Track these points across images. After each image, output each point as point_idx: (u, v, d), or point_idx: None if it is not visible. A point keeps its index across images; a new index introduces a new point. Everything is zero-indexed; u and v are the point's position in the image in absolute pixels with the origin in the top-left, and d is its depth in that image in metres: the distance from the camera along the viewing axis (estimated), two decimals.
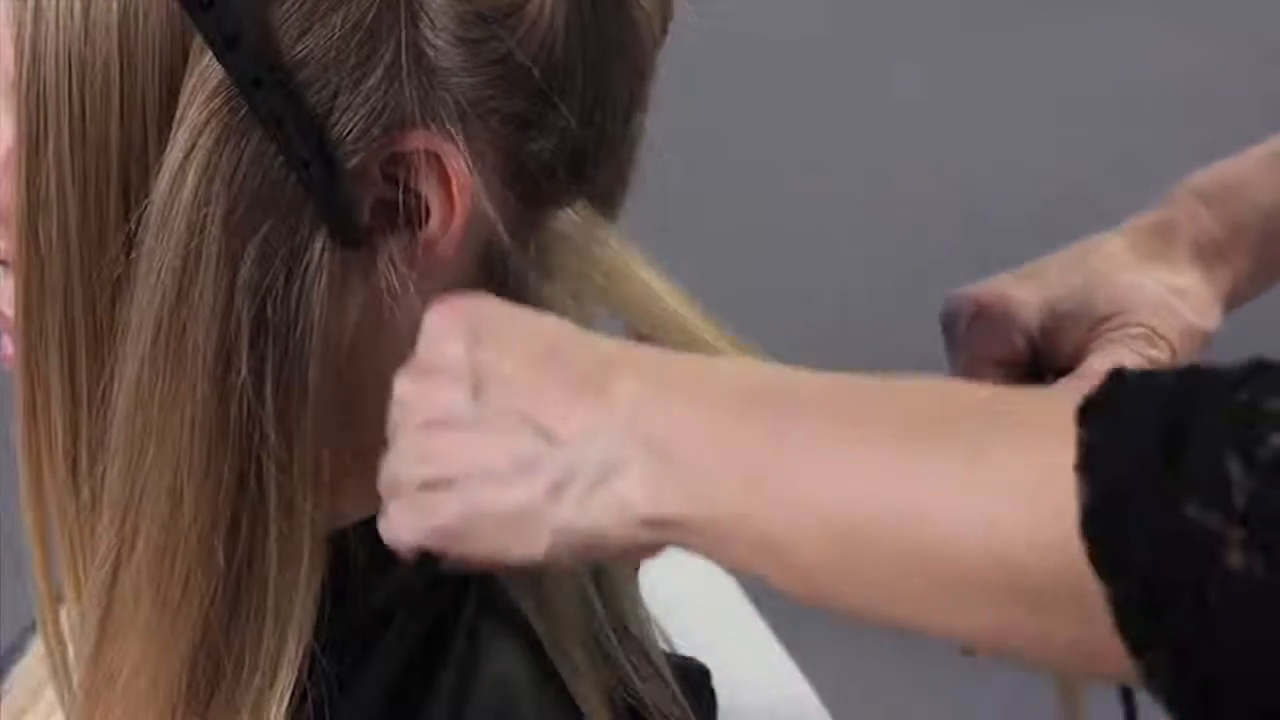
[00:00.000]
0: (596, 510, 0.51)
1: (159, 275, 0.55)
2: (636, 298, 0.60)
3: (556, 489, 0.51)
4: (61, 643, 0.62)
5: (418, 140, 0.56)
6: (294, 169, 0.55)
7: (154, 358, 0.56)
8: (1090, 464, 0.43)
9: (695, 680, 0.71)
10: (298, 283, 0.56)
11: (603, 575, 0.67)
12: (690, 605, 0.77)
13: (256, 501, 0.57)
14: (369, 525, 0.61)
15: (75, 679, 0.61)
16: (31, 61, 0.55)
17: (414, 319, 0.56)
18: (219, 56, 0.54)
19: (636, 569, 0.70)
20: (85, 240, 0.56)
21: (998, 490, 0.45)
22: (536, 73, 0.57)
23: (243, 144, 0.54)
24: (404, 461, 0.54)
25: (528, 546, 0.52)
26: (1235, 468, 0.41)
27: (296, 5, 0.54)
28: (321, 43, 0.54)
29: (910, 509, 0.46)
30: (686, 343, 0.59)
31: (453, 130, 0.56)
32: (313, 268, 0.56)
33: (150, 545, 0.57)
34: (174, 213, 0.55)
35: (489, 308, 0.55)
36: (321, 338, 0.57)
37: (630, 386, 0.51)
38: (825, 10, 2.87)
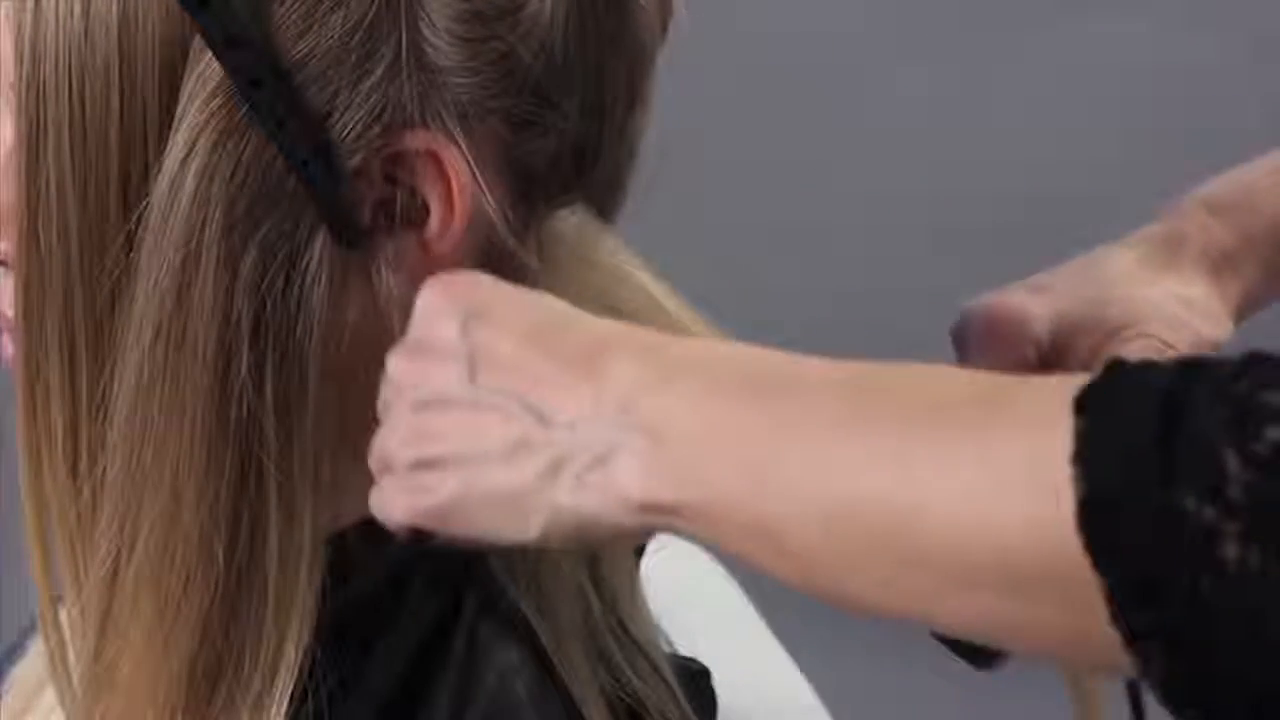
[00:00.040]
0: (590, 493, 0.50)
1: (159, 275, 0.55)
2: (634, 300, 0.60)
3: (551, 471, 0.51)
4: (61, 642, 0.62)
5: (417, 140, 0.56)
6: (294, 169, 0.55)
7: (154, 358, 0.56)
8: (1086, 454, 0.43)
9: (695, 680, 0.71)
10: (298, 283, 0.56)
11: (603, 576, 0.67)
12: (690, 605, 0.77)
13: (256, 501, 0.57)
14: (369, 525, 0.61)
15: (75, 678, 0.61)
16: (31, 62, 0.55)
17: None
18: (218, 56, 0.54)
19: (637, 569, 0.70)
20: (85, 240, 0.56)
21: (994, 478, 0.45)
22: (536, 72, 0.57)
23: (242, 144, 0.54)
24: (397, 440, 0.54)
25: (520, 528, 0.52)
26: (1231, 460, 0.41)
27: (296, 5, 0.54)
28: (321, 43, 0.54)
29: (905, 496, 0.46)
30: None
31: (452, 130, 0.56)
32: (313, 268, 0.56)
33: (150, 545, 0.57)
34: (174, 213, 0.55)
35: (485, 287, 0.55)
36: (321, 338, 0.57)
37: (627, 370, 0.51)
38: (826, 9, 2.87)
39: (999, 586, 0.45)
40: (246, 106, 0.54)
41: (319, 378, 0.57)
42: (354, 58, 0.54)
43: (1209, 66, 2.81)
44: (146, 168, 0.55)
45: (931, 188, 2.63)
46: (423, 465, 0.53)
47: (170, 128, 0.55)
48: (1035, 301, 0.68)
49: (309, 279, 0.56)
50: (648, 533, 0.52)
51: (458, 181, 0.56)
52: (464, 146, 0.56)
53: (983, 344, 0.67)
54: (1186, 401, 0.42)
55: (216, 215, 0.55)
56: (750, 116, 2.67)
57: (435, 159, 0.56)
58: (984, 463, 0.45)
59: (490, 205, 0.57)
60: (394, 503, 0.54)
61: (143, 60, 0.55)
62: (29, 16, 0.55)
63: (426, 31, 0.55)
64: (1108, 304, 0.67)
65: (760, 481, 0.48)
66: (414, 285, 0.57)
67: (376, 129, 0.55)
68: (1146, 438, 0.42)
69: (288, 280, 0.56)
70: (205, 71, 0.54)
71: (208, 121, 0.54)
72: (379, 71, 0.55)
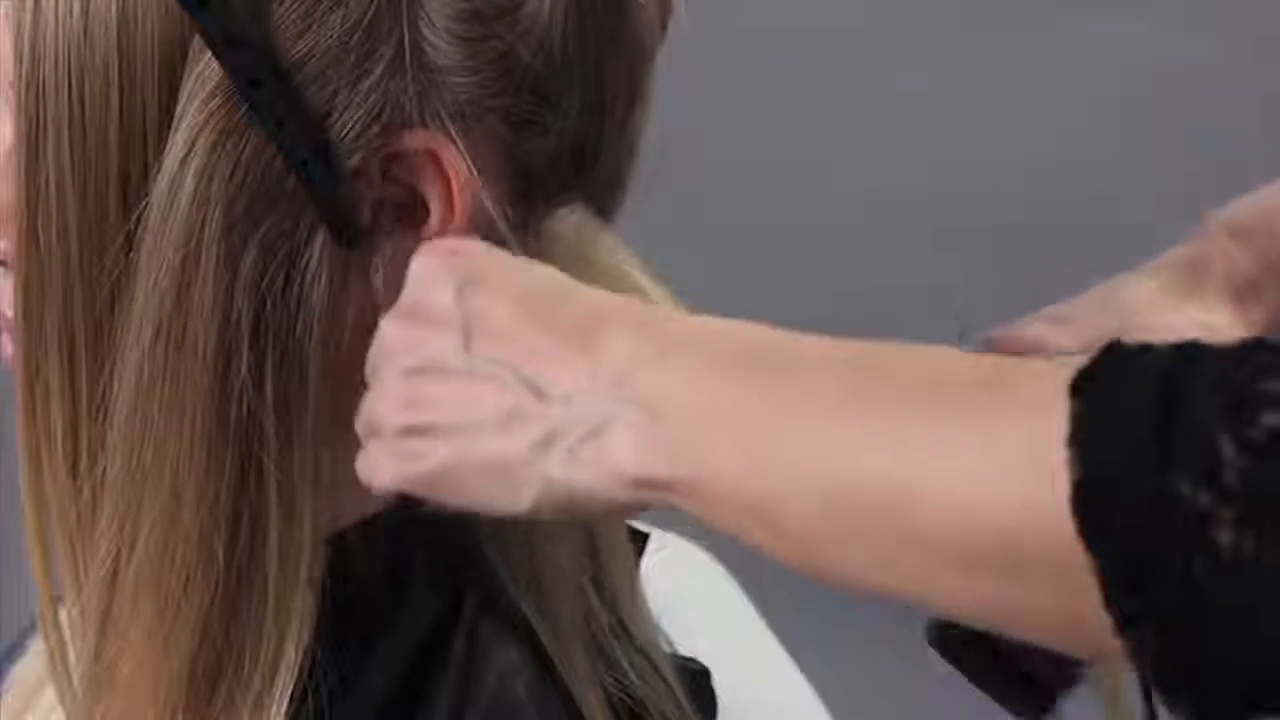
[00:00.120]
0: (584, 467, 0.50)
1: (158, 275, 0.55)
2: None
3: (544, 443, 0.51)
4: (61, 642, 0.62)
5: (417, 139, 0.56)
6: (293, 169, 0.55)
7: (154, 358, 0.56)
8: (1082, 437, 0.43)
9: (695, 680, 0.71)
10: (297, 282, 0.56)
11: (603, 576, 0.67)
12: (690, 605, 0.77)
13: (256, 501, 0.57)
14: (369, 525, 0.61)
15: (75, 678, 0.61)
16: (31, 62, 0.55)
17: None
18: (218, 56, 0.54)
19: (637, 569, 0.70)
20: (85, 240, 0.56)
21: (991, 460, 0.44)
22: (535, 71, 0.57)
23: (242, 144, 0.54)
24: (387, 404, 0.54)
25: (510, 499, 0.52)
26: (1227, 446, 0.41)
27: (295, 4, 0.54)
28: (320, 42, 0.54)
29: (902, 476, 0.46)
30: None
31: (452, 129, 0.56)
32: (312, 267, 0.56)
33: (150, 545, 0.57)
34: (173, 212, 0.55)
35: (481, 254, 0.55)
36: (321, 337, 0.57)
37: (623, 343, 0.51)
38: (826, 8, 2.87)
39: (994, 568, 0.45)
40: (246, 106, 0.54)
41: (319, 377, 0.57)
42: (353, 57, 0.54)
43: (1209, 66, 2.81)
44: (146, 167, 0.55)
45: (931, 186, 2.63)
46: (414, 431, 0.53)
47: (170, 127, 0.55)
48: (1055, 333, 0.67)
49: (309, 278, 0.56)
50: (640, 507, 0.52)
51: (457, 181, 0.56)
52: (463, 146, 0.56)
53: None
54: (1183, 386, 0.42)
55: (216, 215, 0.55)
56: (750, 115, 2.67)
57: (434, 158, 0.56)
58: (981, 444, 0.45)
59: (489, 204, 0.57)
60: (383, 467, 0.54)
61: (142, 60, 0.55)
62: (28, 16, 0.55)
63: (426, 31, 0.55)
64: (1129, 333, 0.66)
65: (757, 459, 0.48)
66: None
67: (376, 128, 0.55)
68: (1143, 422, 0.42)
69: (287, 279, 0.56)
70: (204, 71, 0.54)
71: (207, 121, 0.54)
72: (378, 71, 0.55)
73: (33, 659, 0.70)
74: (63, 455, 0.59)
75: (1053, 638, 0.47)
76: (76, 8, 0.55)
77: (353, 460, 0.57)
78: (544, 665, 0.62)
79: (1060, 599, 0.44)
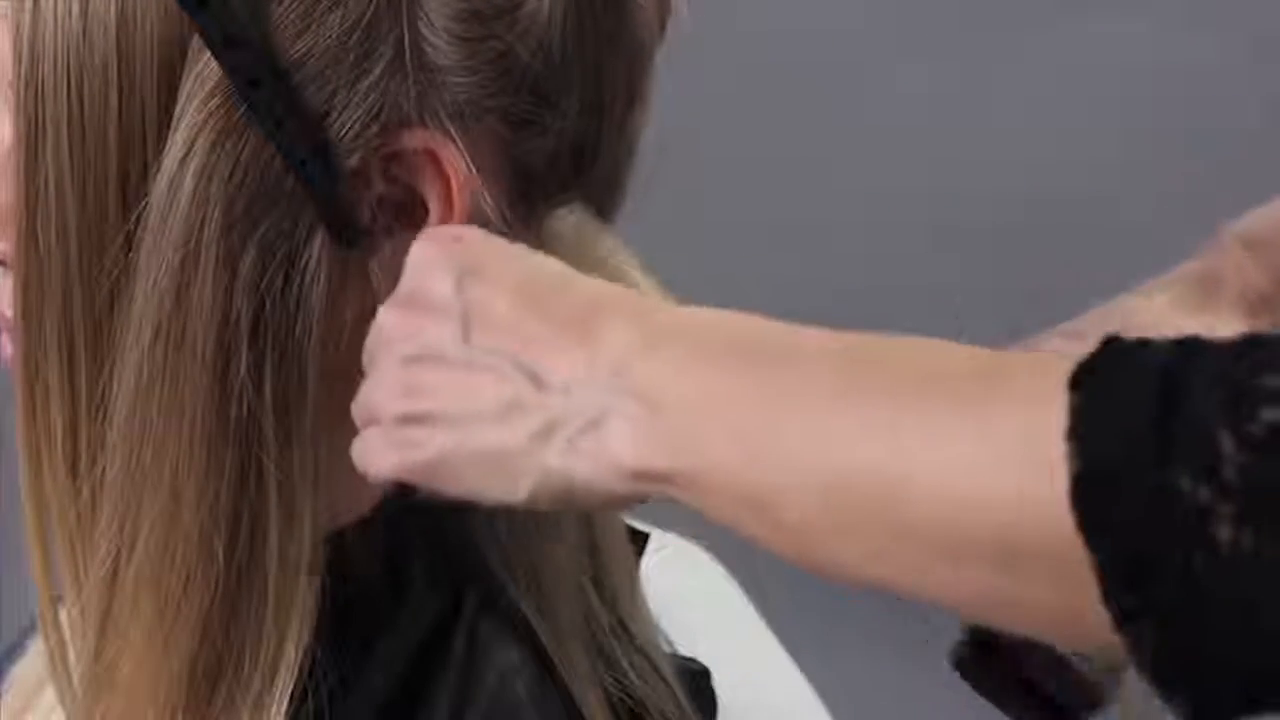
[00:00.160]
0: (582, 458, 0.50)
1: (158, 275, 0.55)
2: None
3: (542, 434, 0.51)
4: (61, 642, 0.62)
5: (415, 139, 0.56)
6: (292, 168, 0.55)
7: (153, 358, 0.56)
8: (1081, 431, 0.43)
9: (695, 680, 0.71)
10: (296, 282, 0.56)
11: (603, 576, 0.67)
12: (690, 605, 0.77)
13: (256, 501, 0.57)
14: (368, 524, 0.61)
15: (75, 678, 0.61)
16: (30, 62, 0.55)
17: None
18: (217, 56, 0.54)
19: (636, 569, 0.70)
20: (84, 240, 0.56)
21: (988, 453, 0.44)
22: (534, 71, 0.57)
23: (241, 143, 0.54)
24: (385, 393, 0.54)
25: (507, 488, 0.52)
26: (1226, 441, 0.41)
27: (294, 4, 0.54)
28: (319, 42, 0.54)
29: (898, 468, 0.45)
30: None
31: (451, 129, 0.56)
32: (311, 267, 0.56)
33: (150, 545, 0.57)
34: (172, 213, 0.55)
35: (480, 243, 0.55)
36: (320, 337, 0.57)
37: (622, 334, 0.51)
38: (826, 7, 2.87)
39: (991, 562, 0.45)
40: (245, 106, 0.54)
41: (318, 377, 0.57)
42: (352, 57, 0.54)
43: (1209, 66, 2.81)
44: (145, 167, 0.55)
45: (931, 186, 2.63)
46: (412, 420, 0.53)
47: (169, 127, 0.55)
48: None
49: (308, 278, 0.56)
50: (638, 499, 0.51)
51: (456, 180, 0.56)
52: (462, 145, 0.56)
53: None
54: (1183, 381, 0.42)
55: (215, 215, 0.55)
56: (749, 114, 2.67)
57: (433, 158, 0.56)
58: (979, 437, 0.45)
59: (488, 204, 0.57)
60: (380, 455, 0.54)
61: (141, 60, 0.54)
62: (27, 16, 0.55)
63: (425, 30, 0.55)
64: None
65: (752, 450, 0.48)
66: None
67: (375, 128, 0.55)
68: (1142, 416, 0.42)
69: (287, 279, 0.56)
70: (203, 71, 0.54)
71: (206, 121, 0.54)
72: (377, 71, 0.55)
73: (33, 659, 0.70)
74: (62, 455, 0.59)
75: (1049, 632, 0.47)
76: (75, 8, 0.55)
77: (353, 460, 0.57)
78: (544, 665, 0.62)
79: (1058, 593, 0.44)
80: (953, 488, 0.45)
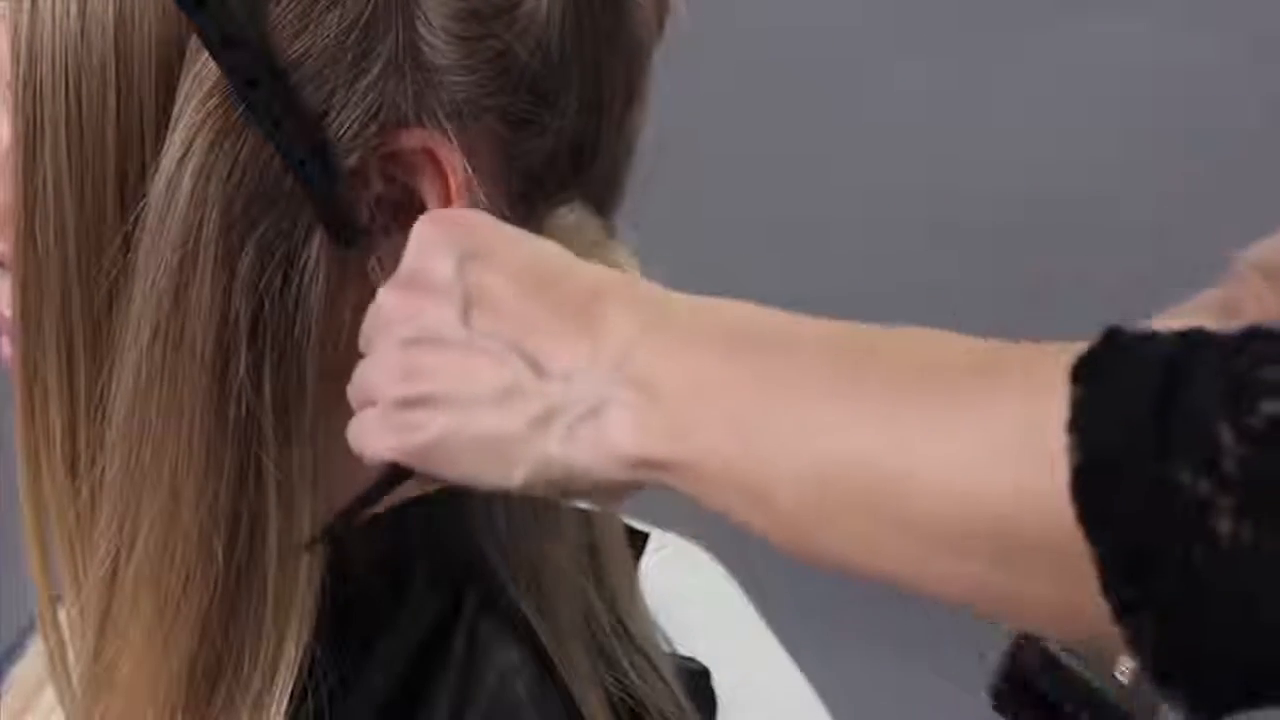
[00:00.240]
0: (580, 446, 0.50)
1: (156, 276, 0.55)
2: None
3: (541, 421, 0.51)
4: (61, 642, 0.62)
5: (414, 139, 0.56)
6: (291, 168, 0.54)
7: (152, 358, 0.56)
8: (1082, 423, 0.43)
9: (695, 680, 0.71)
10: (295, 282, 0.56)
11: (603, 575, 0.67)
12: (690, 604, 0.77)
13: (255, 500, 0.57)
14: (369, 525, 0.61)
15: (75, 678, 0.61)
16: (28, 62, 0.55)
17: None
18: (215, 56, 0.54)
19: (635, 568, 0.70)
20: (82, 241, 0.56)
21: (987, 445, 0.44)
22: (533, 70, 0.57)
23: (239, 143, 0.54)
24: (383, 375, 0.54)
25: (503, 474, 0.52)
26: (1226, 434, 0.41)
27: (292, 4, 0.54)
28: (317, 42, 0.54)
29: (896, 460, 0.45)
30: None
31: (449, 128, 0.56)
32: (310, 267, 0.56)
33: (149, 544, 0.57)
34: (171, 213, 0.55)
35: (483, 226, 0.55)
36: (319, 337, 0.57)
37: (623, 322, 0.51)
38: (825, 5, 2.87)
39: (989, 555, 0.45)
40: (243, 106, 0.54)
41: (317, 376, 0.57)
42: (350, 56, 0.54)
43: (1209, 66, 2.82)
44: (143, 167, 0.55)
45: (930, 184, 2.64)
46: (410, 403, 0.53)
47: (167, 127, 0.55)
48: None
49: (307, 278, 0.56)
50: (636, 487, 0.51)
51: (455, 180, 0.56)
52: (460, 145, 0.56)
53: None
54: (1185, 373, 0.42)
55: (214, 215, 0.55)
56: (748, 112, 2.67)
57: (432, 157, 0.56)
58: (977, 429, 0.44)
59: (487, 203, 0.57)
60: (376, 437, 0.54)
61: (139, 60, 0.54)
62: (26, 16, 0.55)
63: (423, 30, 0.55)
64: None
65: (748, 437, 0.48)
66: None
67: (373, 128, 0.55)
68: (1143, 408, 0.42)
69: (285, 279, 0.56)
70: (202, 71, 0.54)
71: (204, 121, 0.54)
72: (375, 70, 0.55)
73: (32, 659, 0.70)
74: (61, 455, 0.59)
75: (1049, 625, 0.47)
76: (74, 8, 0.54)
77: (352, 460, 0.57)
78: (544, 665, 0.62)
79: (1058, 586, 0.44)
80: (951, 480, 0.44)
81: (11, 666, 0.72)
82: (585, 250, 0.60)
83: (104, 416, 0.57)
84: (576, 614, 0.65)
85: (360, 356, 0.57)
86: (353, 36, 0.54)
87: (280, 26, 0.54)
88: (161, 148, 0.55)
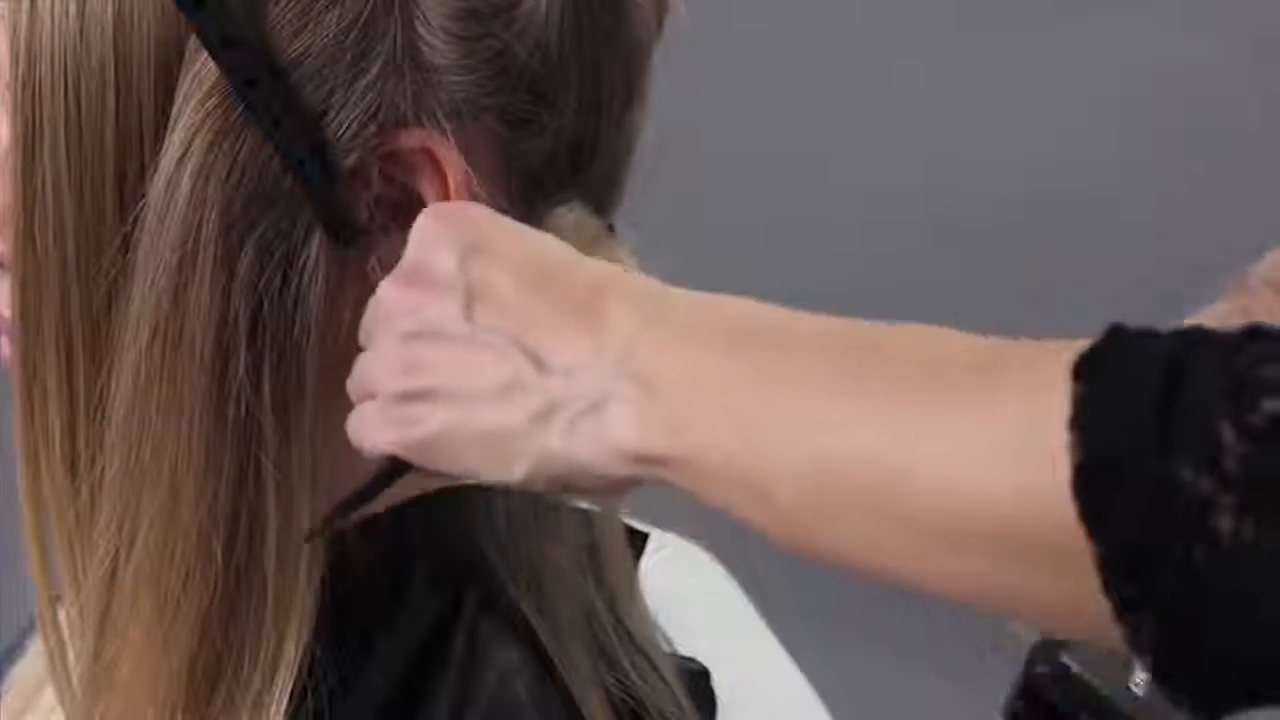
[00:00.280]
0: (581, 441, 0.50)
1: (155, 276, 0.55)
2: None
3: (542, 416, 0.51)
4: (61, 642, 0.62)
5: (413, 138, 0.56)
6: (290, 168, 0.54)
7: (151, 358, 0.56)
8: (1084, 420, 0.43)
9: (695, 680, 0.71)
10: (294, 282, 0.56)
11: (603, 575, 0.67)
12: (690, 604, 0.77)
13: (255, 500, 0.57)
14: (369, 524, 0.61)
15: (74, 678, 0.61)
16: (27, 62, 0.55)
17: None
18: (214, 56, 0.54)
19: (635, 568, 0.70)
20: (81, 241, 0.56)
21: (988, 442, 0.44)
22: (531, 69, 0.57)
23: (238, 143, 0.54)
24: (384, 369, 0.54)
25: (504, 469, 0.52)
26: (1227, 432, 0.41)
27: (291, 4, 0.54)
28: (316, 41, 0.54)
29: (897, 458, 0.45)
30: None
31: (448, 128, 0.56)
32: (310, 267, 0.56)
33: (149, 545, 0.57)
34: (170, 213, 0.55)
35: (485, 221, 0.55)
36: (318, 337, 0.57)
37: (625, 318, 0.51)
38: (825, 4, 2.87)
39: (991, 552, 0.44)
40: (242, 106, 0.54)
41: (316, 376, 0.57)
42: (349, 56, 0.54)
43: (1209, 66, 2.82)
44: (143, 168, 0.55)
45: (930, 184, 2.64)
46: (410, 396, 0.53)
47: (166, 128, 0.55)
48: None
49: (306, 278, 0.56)
50: (635, 482, 0.51)
51: (454, 179, 0.56)
52: (459, 144, 0.56)
53: None
54: (1186, 370, 0.42)
55: (213, 215, 0.55)
56: (748, 112, 2.67)
57: (431, 157, 0.56)
58: (979, 426, 0.44)
59: (487, 203, 0.57)
60: (376, 430, 0.54)
61: (138, 60, 0.54)
62: (24, 17, 0.55)
63: (422, 30, 0.55)
64: None
65: (748, 433, 0.48)
66: None
67: (372, 127, 0.55)
68: (1145, 405, 0.42)
69: (285, 280, 0.56)
70: (201, 71, 0.54)
71: (203, 121, 0.54)
72: (374, 70, 0.55)
73: (32, 659, 0.70)
74: (61, 455, 0.59)
75: (1050, 622, 0.47)
76: (72, 8, 0.54)
77: (352, 459, 0.57)
78: (544, 665, 0.62)
79: (1058, 583, 0.44)
80: (952, 478, 0.44)
81: (11, 666, 0.72)
82: (585, 249, 0.60)
83: (103, 416, 0.57)
84: (577, 614, 0.65)
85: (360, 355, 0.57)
86: (351, 36, 0.54)
87: (279, 26, 0.54)
88: (160, 148, 0.55)
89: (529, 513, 0.64)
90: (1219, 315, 0.68)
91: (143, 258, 0.55)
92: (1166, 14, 2.87)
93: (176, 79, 0.54)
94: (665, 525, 0.85)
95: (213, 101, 0.54)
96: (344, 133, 0.55)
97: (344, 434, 0.57)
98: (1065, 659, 0.69)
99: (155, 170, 0.55)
